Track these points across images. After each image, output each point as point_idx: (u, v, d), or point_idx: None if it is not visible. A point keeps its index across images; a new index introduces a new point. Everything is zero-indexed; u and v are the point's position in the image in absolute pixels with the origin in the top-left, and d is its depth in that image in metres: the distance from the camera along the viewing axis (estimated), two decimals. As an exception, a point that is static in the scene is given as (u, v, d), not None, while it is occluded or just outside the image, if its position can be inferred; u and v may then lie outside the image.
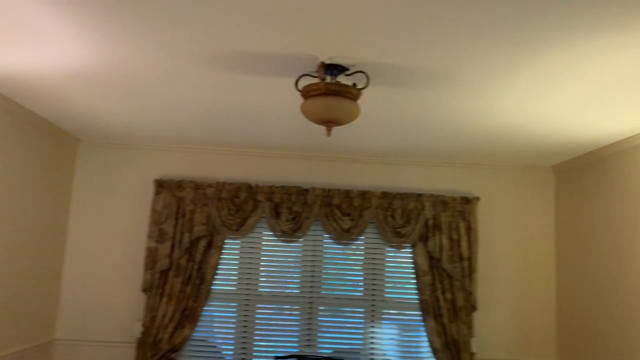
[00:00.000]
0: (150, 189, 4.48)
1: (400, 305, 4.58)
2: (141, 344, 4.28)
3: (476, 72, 2.64)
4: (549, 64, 2.50)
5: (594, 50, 2.32)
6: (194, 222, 4.43)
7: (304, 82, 2.80)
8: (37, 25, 2.34)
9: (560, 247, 4.59)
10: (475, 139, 3.90)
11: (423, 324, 4.44)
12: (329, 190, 4.52)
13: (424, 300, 4.43)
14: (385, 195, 4.52)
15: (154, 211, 4.43)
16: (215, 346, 4.52)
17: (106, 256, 4.46)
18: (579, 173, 4.32)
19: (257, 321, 4.52)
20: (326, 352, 4.46)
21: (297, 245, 4.60)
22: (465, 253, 4.45)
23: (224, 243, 4.48)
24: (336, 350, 4.50)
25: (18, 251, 3.70)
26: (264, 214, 4.51)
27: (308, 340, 4.50)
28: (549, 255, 4.66)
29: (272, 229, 4.50)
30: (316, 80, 2.71)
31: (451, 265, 4.43)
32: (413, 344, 4.56)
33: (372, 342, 4.52)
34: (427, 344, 4.43)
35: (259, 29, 2.29)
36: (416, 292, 4.50)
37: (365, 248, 4.62)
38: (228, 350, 4.50)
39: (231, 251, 4.57)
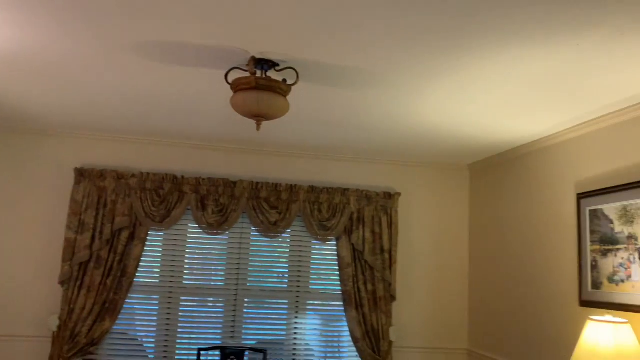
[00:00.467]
0: (70, 178, 4.32)
1: (324, 296, 4.71)
2: (57, 338, 4.13)
3: (402, 75, 2.78)
4: (468, 71, 2.67)
5: (506, 61, 2.52)
6: (116, 213, 4.32)
7: (234, 76, 2.82)
8: (-49, 2, 2.21)
9: (473, 241, 4.89)
10: (398, 137, 4.07)
11: (345, 314, 4.59)
12: (257, 183, 4.55)
13: (346, 291, 4.57)
14: (312, 189, 4.61)
15: (73, 201, 4.28)
16: (136, 339, 4.44)
17: (21, 247, 4.25)
18: (492, 171, 4.62)
19: (180, 314, 4.48)
20: (250, 343, 4.51)
21: (223, 237, 4.60)
22: (386, 246, 4.64)
23: (147, 235, 4.40)
24: (260, 342, 4.56)
25: None
26: (190, 206, 4.47)
27: (232, 332, 4.53)
28: (463, 248, 4.95)
29: (197, 221, 4.48)
30: (246, 74, 2.74)
31: (373, 257, 4.61)
32: (335, 334, 4.71)
33: (295, 333, 4.61)
34: (348, 333, 4.58)
35: (189, 20, 2.30)
36: (339, 283, 4.64)
37: (291, 241, 4.70)
38: (150, 343, 4.44)
39: (155, 243, 4.50)
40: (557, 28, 2.17)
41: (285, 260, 4.71)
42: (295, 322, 4.63)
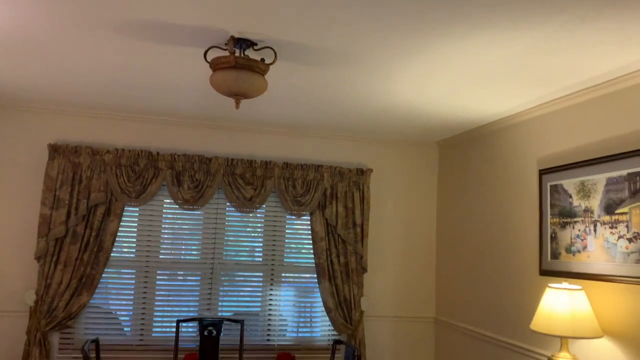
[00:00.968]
0: (44, 154, 4.31)
1: (298, 268, 4.85)
2: (35, 312, 4.18)
3: (376, 55, 2.88)
4: (439, 53, 2.80)
5: (474, 44, 2.65)
6: (91, 189, 4.34)
7: (213, 54, 2.88)
8: None
9: (440, 215, 5.10)
10: (371, 115, 4.19)
11: (318, 285, 4.75)
12: (232, 159, 4.63)
13: (319, 264, 4.73)
14: (287, 165, 4.72)
15: (47, 177, 4.28)
16: (113, 312, 4.51)
17: (-6, 223, 4.26)
18: (459, 148, 4.80)
19: (157, 287, 4.57)
20: (226, 315, 4.63)
21: (199, 213, 4.68)
22: (358, 220, 4.80)
23: (123, 210, 4.45)
24: (236, 313, 4.69)
25: None
26: (165, 182, 4.53)
27: (208, 304, 4.64)
28: (430, 222, 5.15)
29: (173, 197, 4.54)
30: (225, 53, 2.80)
31: (345, 231, 4.76)
32: (308, 304, 4.87)
33: (270, 304, 4.76)
34: (321, 304, 4.76)
35: None
36: (313, 256, 4.79)
37: (266, 216, 4.82)
38: (127, 315, 4.52)
39: (131, 218, 4.55)
40: (522, 14, 2.30)
41: (260, 234, 4.82)
42: (270, 294, 4.77)
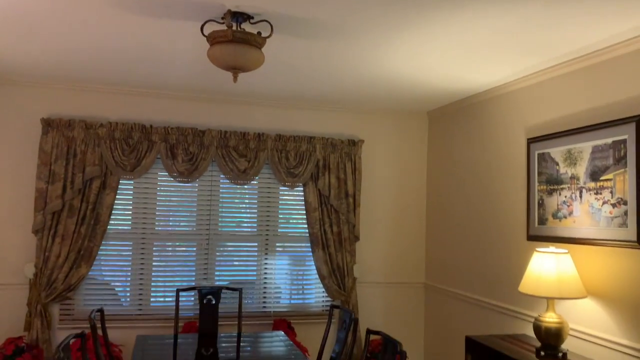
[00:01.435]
0: (38, 128, 4.32)
1: (291, 238, 4.96)
2: (34, 285, 4.25)
3: (370, 26, 2.93)
4: (431, 25, 2.86)
5: (466, 16, 2.71)
6: (86, 163, 4.38)
7: (210, 28, 2.91)
8: None
9: (430, 184, 5.22)
10: (363, 87, 4.25)
11: (312, 254, 4.88)
12: (226, 132, 4.67)
13: (313, 233, 4.84)
14: (279, 137, 4.78)
15: (42, 151, 4.30)
16: (112, 284, 4.60)
17: (-9, 198, 4.29)
18: (449, 118, 4.90)
19: (154, 258, 4.66)
20: (222, 284, 4.75)
21: (194, 185, 4.74)
22: (350, 190, 4.90)
23: (118, 183, 4.49)
24: (232, 282, 4.81)
25: None
26: (160, 154, 4.57)
27: (205, 274, 4.75)
28: (420, 191, 5.27)
29: (168, 170, 4.59)
30: (221, 27, 2.83)
31: (338, 201, 4.87)
32: (302, 273, 5.00)
33: (265, 273, 4.88)
34: (315, 272, 4.89)
35: (171, -25, 2.36)
36: (306, 226, 4.90)
37: (260, 187, 4.90)
38: (125, 286, 4.61)
39: (126, 191, 4.60)
40: (515, -13, 2.37)
41: (254, 206, 4.91)
42: (265, 263, 4.89)
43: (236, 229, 4.86)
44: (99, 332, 3.56)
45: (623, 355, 2.89)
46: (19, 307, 4.26)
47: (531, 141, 3.69)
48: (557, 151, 3.45)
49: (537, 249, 3.19)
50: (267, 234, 4.90)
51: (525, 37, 3.00)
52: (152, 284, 4.65)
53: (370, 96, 4.58)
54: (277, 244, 4.93)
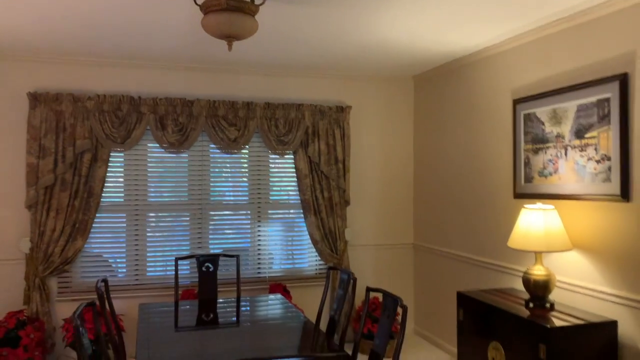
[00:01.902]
0: (25, 102, 4.28)
1: (283, 205, 5.05)
2: (31, 259, 4.28)
3: (361, -8, 2.96)
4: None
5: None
6: (76, 136, 4.37)
7: (202, -4, 2.90)
8: None
9: (417, 147, 5.32)
10: (350, 52, 4.28)
11: (304, 220, 4.98)
12: (214, 101, 4.68)
13: (305, 200, 4.93)
14: (268, 105, 4.80)
15: (30, 126, 4.27)
16: (108, 255, 4.64)
17: (-19, 174, 4.26)
18: (435, 82, 4.97)
19: (148, 229, 4.71)
20: (217, 252, 4.83)
21: (184, 156, 4.77)
22: (340, 156, 4.98)
23: (109, 156, 4.50)
24: (226, 250, 4.90)
25: None
26: (149, 126, 4.57)
27: (199, 243, 4.82)
28: (408, 154, 5.38)
29: (158, 141, 4.60)
30: (214, -5, 2.83)
31: (328, 167, 4.95)
32: (295, 238, 5.11)
33: (259, 240, 4.98)
34: (308, 237, 5.00)
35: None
36: (298, 193, 4.98)
37: (250, 156, 4.94)
38: (121, 257, 4.66)
39: (117, 164, 4.61)
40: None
41: (245, 174, 4.96)
42: (259, 231, 4.98)
43: (228, 198, 4.92)
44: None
45: (607, 303, 3.07)
46: (17, 282, 4.30)
47: (517, 102, 3.79)
48: (542, 111, 3.56)
49: (525, 206, 3.32)
50: (259, 202, 4.97)
51: (512, -1, 3.06)
52: (148, 254, 4.71)
53: (357, 62, 4.62)
54: (270, 211, 5.01)
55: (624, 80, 2.95)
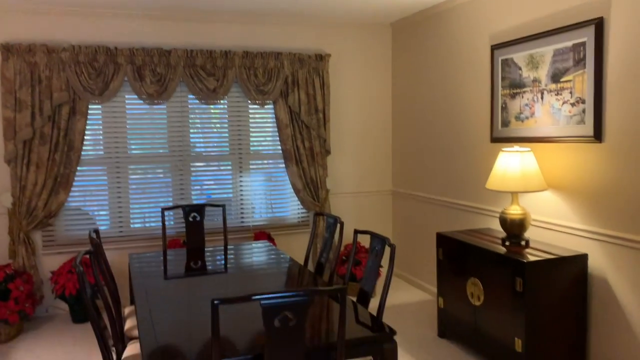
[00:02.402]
0: (-3, 54, 4.16)
1: (264, 156, 5.10)
2: (14, 214, 4.27)
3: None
4: None
5: None
6: (53, 89, 4.29)
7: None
8: None
9: (395, 94, 5.39)
10: (330, -1, 4.26)
11: (285, 169, 5.05)
12: (192, 51, 4.62)
13: (286, 150, 4.98)
14: (247, 54, 4.77)
15: (4, 79, 4.17)
16: (90, 208, 4.66)
17: (-44, 129, 4.17)
18: (412, 29, 4.99)
19: (130, 181, 4.72)
20: (200, 203, 4.88)
21: (163, 107, 4.73)
22: (320, 106, 5.01)
23: (88, 109, 4.44)
24: (209, 201, 4.96)
25: None
26: (127, 77, 4.51)
27: (182, 194, 4.86)
28: (386, 102, 5.45)
29: (136, 92, 4.55)
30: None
31: (308, 117, 4.99)
32: (278, 188, 5.19)
33: (241, 190, 5.04)
34: (290, 186, 5.08)
35: None
36: (278, 143, 5.03)
37: (230, 107, 4.94)
38: (104, 209, 4.68)
39: (95, 117, 4.56)
40: None
41: (225, 125, 4.96)
42: (241, 181, 5.03)
43: (209, 149, 4.93)
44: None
45: (578, 238, 3.27)
46: (1, 237, 4.30)
47: (495, 47, 3.87)
48: (520, 56, 3.65)
49: (503, 149, 3.45)
50: (240, 153, 5.01)
51: (493, -57, 3.07)
52: (131, 206, 4.74)
53: (335, 8, 4.59)
54: (251, 162, 5.06)
55: (599, 25, 3.04)
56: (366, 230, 2.91)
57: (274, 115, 4.99)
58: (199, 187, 4.93)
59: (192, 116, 4.84)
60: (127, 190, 4.71)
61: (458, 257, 3.61)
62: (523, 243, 3.39)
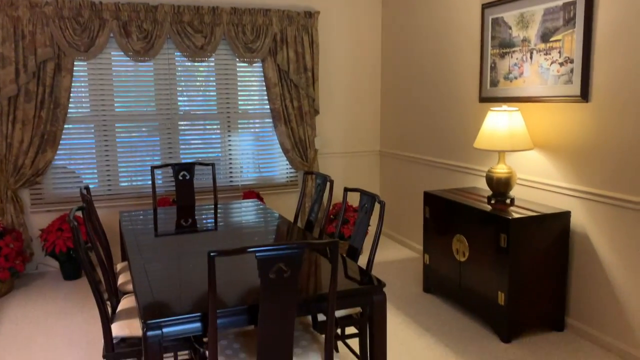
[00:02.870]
0: (-22, 8, 4.05)
1: (253, 115, 5.08)
2: (1, 171, 4.24)
3: None
4: None
5: None
6: (37, 44, 4.20)
7: None
8: None
9: (384, 53, 5.36)
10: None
11: (274, 129, 5.04)
12: (179, 7, 4.54)
13: (274, 109, 4.97)
14: (235, 11, 4.69)
15: (-14, 33, 4.08)
16: (77, 167, 4.63)
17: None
18: (403, -12, 4.94)
19: (118, 139, 4.69)
20: (188, 162, 4.88)
21: (149, 64, 4.67)
22: (309, 64, 4.98)
23: (73, 65, 4.37)
24: (198, 160, 4.96)
25: None
26: (113, 33, 4.42)
27: (170, 153, 4.85)
28: (375, 62, 5.42)
29: (123, 48, 4.47)
30: None
31: (297, 76, 4.96)
32: (267, 147, 5.20)
33: (230, 150, 5.04)
34: (278, 146, 5.09)
35: None
36: (267, 102, 5.01)
37: (217, 65, 4.88)
38: (92, 168, 4.66)
39: (81, 73, 4.49)
40: None
41: (213, 83, 4.92)
42: (229, 141, 5.03)
43: (197, 108, 4.90)
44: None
45: (562, 196, 3.35)
46: (-12, 195, 4.28)
47: (486, 6, 3.85)
48: (510, 15, 3.64)
49: (492, 109, 3.49)
50: (228, 112, 4.98)
51: None
52: (119, 164, 4.72)
53: (326, -35, 4.51)
54: (240, 121, 5.04)
55: (590, -17, 3.04)
56: (356, 188, 2.95)
57: (262, 74, 4.95)
58: (187, 147, 4.92)
59: (179, 74, 4.79)
60: (114, 149, 4.69)
61: (444, 215, 3.69)
62: (508, 201, 3.47)
